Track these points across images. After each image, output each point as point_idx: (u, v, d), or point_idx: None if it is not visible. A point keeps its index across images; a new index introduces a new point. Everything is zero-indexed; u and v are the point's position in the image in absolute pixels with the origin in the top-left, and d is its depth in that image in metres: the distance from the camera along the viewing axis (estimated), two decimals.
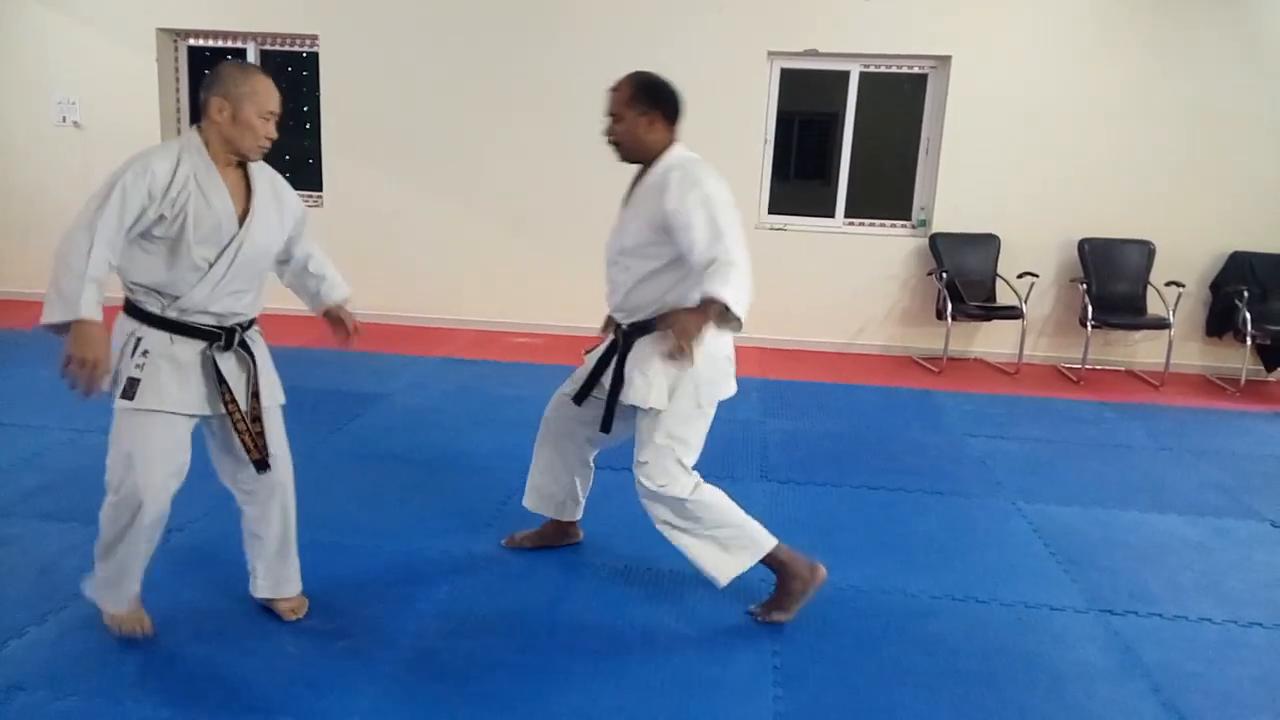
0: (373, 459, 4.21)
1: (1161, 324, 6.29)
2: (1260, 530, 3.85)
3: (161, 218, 2.40)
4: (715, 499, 2.87)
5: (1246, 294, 6.15)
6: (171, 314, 2.49)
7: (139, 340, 2.49)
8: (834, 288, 6.82)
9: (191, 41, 7.16)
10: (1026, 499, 4.05)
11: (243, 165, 2.59)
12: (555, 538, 3.34)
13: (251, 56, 7.10)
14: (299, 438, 4.49)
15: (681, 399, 2.77)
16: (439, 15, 6.68)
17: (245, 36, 7.07)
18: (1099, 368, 6.61)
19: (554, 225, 6.89)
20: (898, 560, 3.40)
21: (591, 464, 3.26)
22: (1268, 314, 6.15)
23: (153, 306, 2.50)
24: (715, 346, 2.76)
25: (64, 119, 7.07)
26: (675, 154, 2.82)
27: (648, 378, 2.76)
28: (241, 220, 2.52)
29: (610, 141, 2.85)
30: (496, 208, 6.81)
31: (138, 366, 2.45)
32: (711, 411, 2.87)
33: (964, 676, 2.67)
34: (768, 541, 2.87)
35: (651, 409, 2.78)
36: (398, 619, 2.84)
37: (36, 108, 7.09)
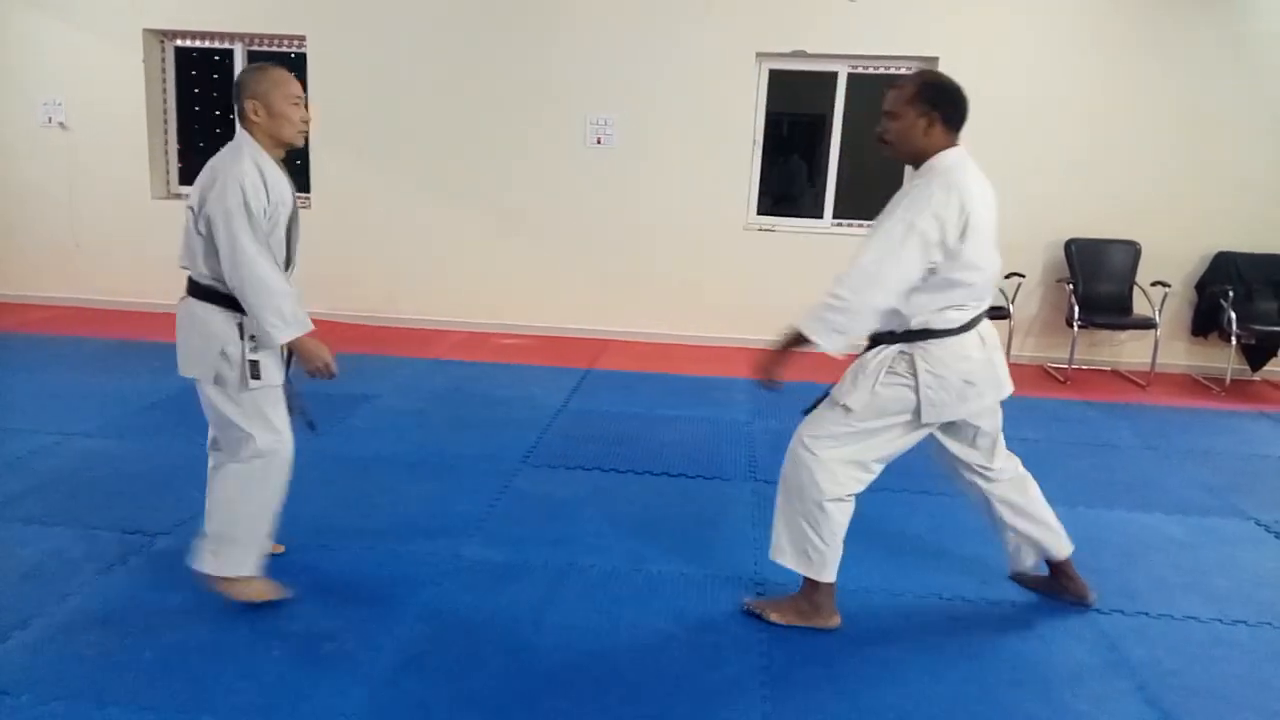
0: (360, 461, 4.20)
1: (1147, 324, 6.32)
2: (1245, 529, 3.87)
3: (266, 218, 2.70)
4: (838, 514, 2.82)
5: (1231, 294, 6.19)
6: None
7: (241, 325, 2.75)
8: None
9: (179, 42, 7.13)
10: None
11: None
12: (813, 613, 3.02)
13: (239, 57, 7.07)
14: None
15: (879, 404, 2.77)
16: (427, 16, 6.67)
17: (232, 37, 7.04)
18: (1085, 367, 6.64)
19: (543, 226, 6.88)
20: (885, 560, 3.40)
21: (973, 479, 3.03)
22: (1252, 313, 6.19)
23: None
24: (944, 370, 2.70)
25: (50, 120, 7.03)
26: (944, 159, 2.71)
27: (855, 382, 2.78)
28: (292, 214, 2.85)
29: (880, 140, 2.78)
30: (485, 209, 6.80)
31: (252, 350, 2.74)
32: (917, 429, 2.84)
33: (952, 675, 2.67)
34: (829, 575, 2.84)
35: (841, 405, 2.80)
36: (385, 621, 2.83)
37: (22, 109, 7.04)
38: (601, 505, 3.82)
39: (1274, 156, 6.38)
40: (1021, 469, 3.05)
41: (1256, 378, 6.54)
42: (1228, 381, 6.27)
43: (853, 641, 2.84)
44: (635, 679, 2.59)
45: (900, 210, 2.57)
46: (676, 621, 2.91)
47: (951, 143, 2.73)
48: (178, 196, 7.27)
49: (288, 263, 2.86)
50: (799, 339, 2.60)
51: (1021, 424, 5.19)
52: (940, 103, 2.68)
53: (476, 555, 3.31)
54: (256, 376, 2.76)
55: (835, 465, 2.79)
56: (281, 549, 3.19)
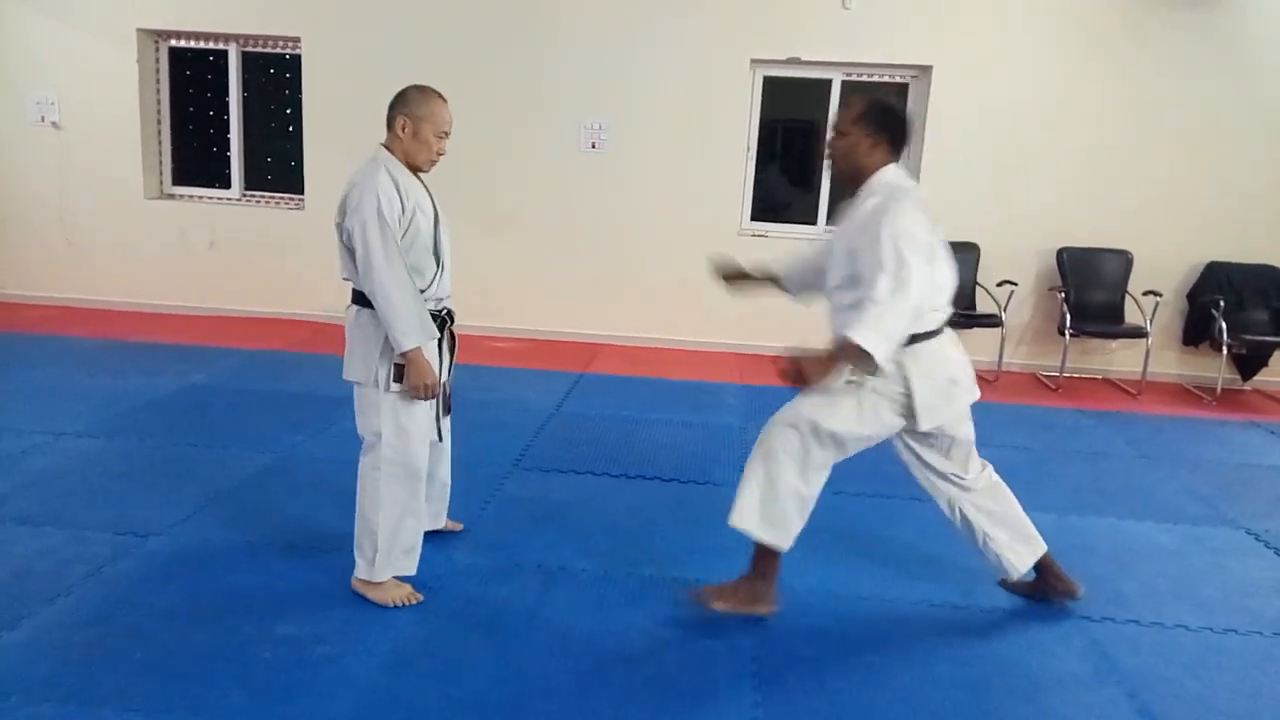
0: (351, 463, 4.15)
1: (1139, 333, 6.34)
2: (1236, 538, 3.88)
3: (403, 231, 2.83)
4: (803, 490, 2.85)
5: (1223, 304, 6.22)
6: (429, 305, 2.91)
7: None
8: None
9: (173, 42, 7.11)
10: None
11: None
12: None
13: (233, 58, 7.06)
14: (278, 441, 4.49)
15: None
16: (421, 19, 6.67)
17: (227, 38, 7.03)
18: (1077, 376, 6.66)
19: (536, 230, 6.88)
20: (876, 566, 3.41)
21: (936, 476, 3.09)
22: (1243, 323, 6.22)
23: None
24: (933, 370, 2.77)
25: (43, 119, 7.01)
26: (885, 177, 2.78)
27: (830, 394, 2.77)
28: (435, 220, 2.97)
29: (828, 156, 2.88)
30: (477, 211, 6.79)
31: (398, 356, 2.82)
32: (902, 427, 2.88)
33: (941, 682, 2.68)
34: (785, 544, 2.86)
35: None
36: (376, 624, 2.83)
37: (14, 107, 7.02)
38: (593, 509, 3.82)
39: (1267, 167, 6.41)
40: (995, 476, 3.09)
41: (1247, 387, 6.56)
42: (1219, 391, 6.29)
43: (843, 647, 2.84)
44: (626, 682, 2.59)
45: (890, 224, 2.59)
46: (667, 625, 2.91)
47: (891, 161, 2.81)
48: (171, 197, 7.25)
49: (439, 268, 2.98)
50: (852, 351, 2.55)
51: (1013, 431, 5.23)
52: (887, 125, 2.77)
53: (467, 558, 3.30)
54: (399, 380, 2.85)
55: (821, 453, 2.83)
56: (459, 526, 3.47)
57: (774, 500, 2.82)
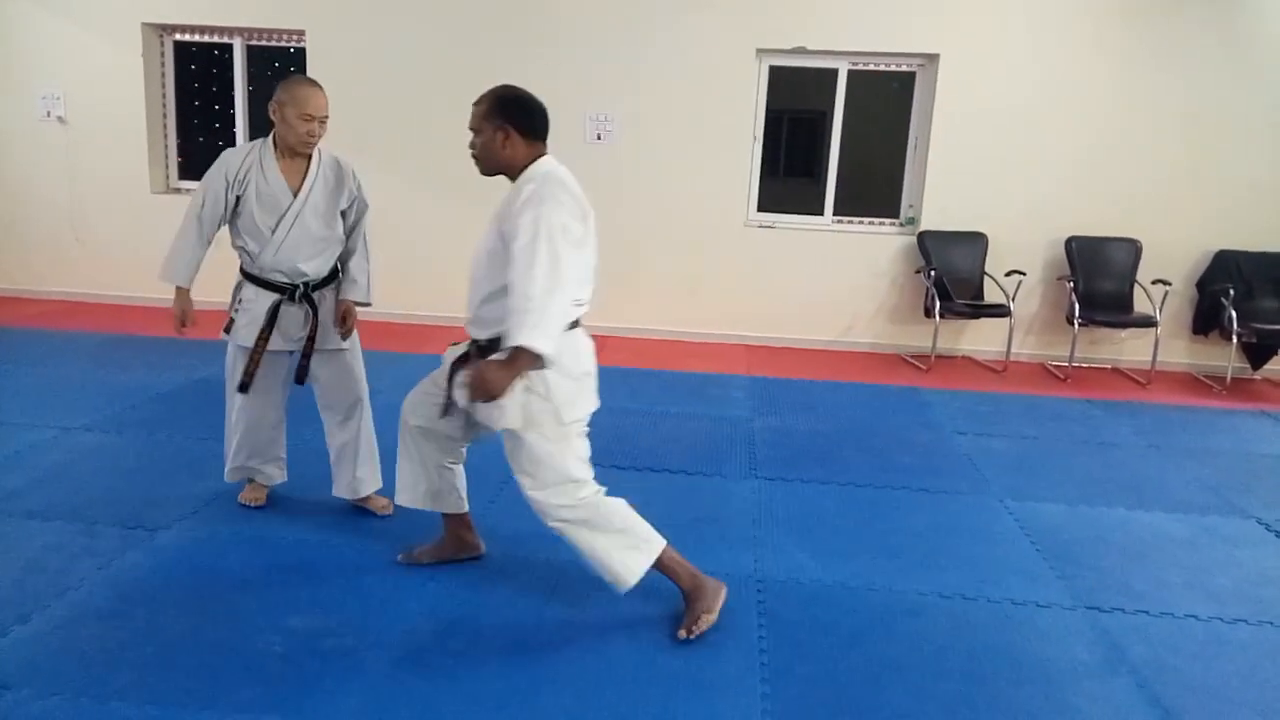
0: None
1: (1148, 322, 6.32)
2: (1246, 528, 3.87)
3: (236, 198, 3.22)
4: (611, 506, 2.83)
5: (1232, 292, 6.18)
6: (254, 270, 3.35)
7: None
8: (822, 286, 6.82)
9: (177, 36, 7.11)
10: (1014, 496, 4.06)
11: (307, 156, 3.32)
12: (454, 547, 3.19)
13: (238, 52, 7.06)
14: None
15: (541, 424, 2.69)
16: (426, 10, 6.65)
17: (231, 31, 7.02)
18: (1086, 365, 6.64)
19: None
20: (885, 557, 3.40)
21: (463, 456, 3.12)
22: (1253, 312, 6.19)
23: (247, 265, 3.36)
24: (571, 365, 2.70)
25: (49, 114, 7.01)
26: (539, 168, 2.75)
27: (498, 402, 2.62)
28: (295, 201, 3.25)
29: (473, 158, 2.85)
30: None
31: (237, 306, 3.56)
32: (579, 428, 2.78)
33: (951, 673, 2.67)
34: (659, 545, 2.84)
35: (509, 430, 2.70)
36: (387, 617, 2.83)
37: (21, 102, 7.02)
38: None
39: (1275, 155, 6.37)
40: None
41: (1257, 376, 6.53)
42: (1228, 380, 6.26)
43: (853, 639, 2.84)
44: (636, 674, 2.59)
45: (545, 213, 2.54)
46: (676, 618, 2.90)
47: (538, 152, 2.79)
48: (177, 191, 7.26)
49: (268, 241, 3.33)
50: (526, 356, 2.48)
51: (1021, 422, 5.22)
52: (513, 114, 2.77)
53: None
54: (226, 331, 3.42)
55: (580, 471, 2.80)
56: (386, 506, 3.54)
57: (621, 540, 2.80)
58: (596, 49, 6.62)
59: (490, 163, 2.81)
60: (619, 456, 4.34)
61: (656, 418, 4.97)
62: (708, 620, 2.81)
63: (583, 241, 2.64)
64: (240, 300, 3.41)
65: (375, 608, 2.88)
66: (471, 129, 2.81)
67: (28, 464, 3.90)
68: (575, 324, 2.76)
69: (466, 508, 3.15)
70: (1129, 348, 6.70)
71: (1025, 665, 2.74)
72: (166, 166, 7.26)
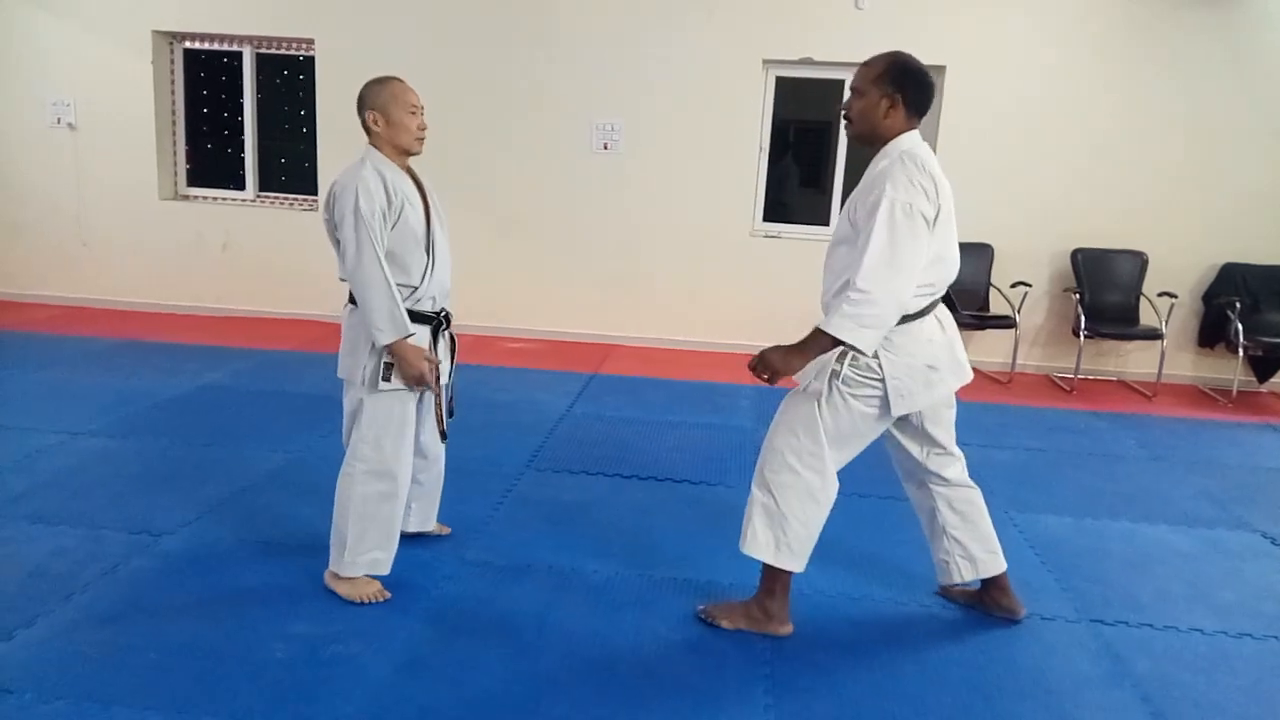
0: None
1: (1154, 334, 6.31)
2: (1251, 541, 3.85)
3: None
4: (811, 509, 2.80)
5: (1238, 305, 6.17)
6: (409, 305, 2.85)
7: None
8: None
9: (187, 44, 7.15)
10: (1018, 508, 4.05)
11: (409, 169, 2.99)
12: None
13: (248, 60, 7.09)
14: (292, 440, 4.51)
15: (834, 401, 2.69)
16: (434, 20, 6.69)
17: (241, 40, 7.06)
18: (1091, 378, 6.63)
19: (548, 231, 6.89)
20: (889, 568, 3.40)
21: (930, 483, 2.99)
22: (1259, 325, 6.18)
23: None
24: (912, 354, 2.64)
25: (59, 120, 7.06)
26: (899, 144, 2.64)
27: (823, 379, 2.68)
28: (428, 215, 2.94)
29: (845, 118, 2.75)
30: (490, 212, 6.81)
31: (387, 355, 2.84)
32: (887, 417, 2.74)
33: (955, 685, 2.67)
34: (799, 567, 2.82)
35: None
36: (389, 623, 2.84)
37: (31, 109, 7.07)
38: (605, 510, 3.82)
39: None
40: (969, 480, 2.98)
41: (1263, 389, 6.52)
42: (1234, 393, 6.25)
43: (857, 650, 2.84)
44: (637, 685, 2.59)
45: (890, 192, 2.48)
46: (679, 628, 2.90)
47: (911, 126, 2.67)
48: (185, 198, 7.29)
49: (430, 262, 2.91)
50: (825, 342, 2.50)
51: (1027, 434, 5.21)
52: (905, 84, 2.61)
53: (480, 558, 3.31)
54: (386, 379, 2.83)
55: (817, 465, 2.76)
56: (446, 530, 3.45)
57: (783, 525, 2.77)
58: (603, 59, 6.64)
59: (865, 127, 2.68)
60: (624, 465, 4.34)
61: (661, 427, 4.97)
62: (719, 620, 2.88)
63: (934, 225, 2.52)
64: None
65: (377, 614, 2.89)
66: (854, 88, 2.67)
67: (34, 469, 3.91)
68: (924, 311, 2.66)
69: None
70: (1134, 360, 6.69)
71: (1029, 678, 2.73)
72: (175, 174, 7.30)
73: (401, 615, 2.89)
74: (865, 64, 2.66)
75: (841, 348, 2.56)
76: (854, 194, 2.68)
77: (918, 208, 2.48)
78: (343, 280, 2.85)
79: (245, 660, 2.60)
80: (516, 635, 2.82)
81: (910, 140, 2.65)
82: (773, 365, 2.57)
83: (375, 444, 2.88)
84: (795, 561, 2.80)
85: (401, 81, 2.98)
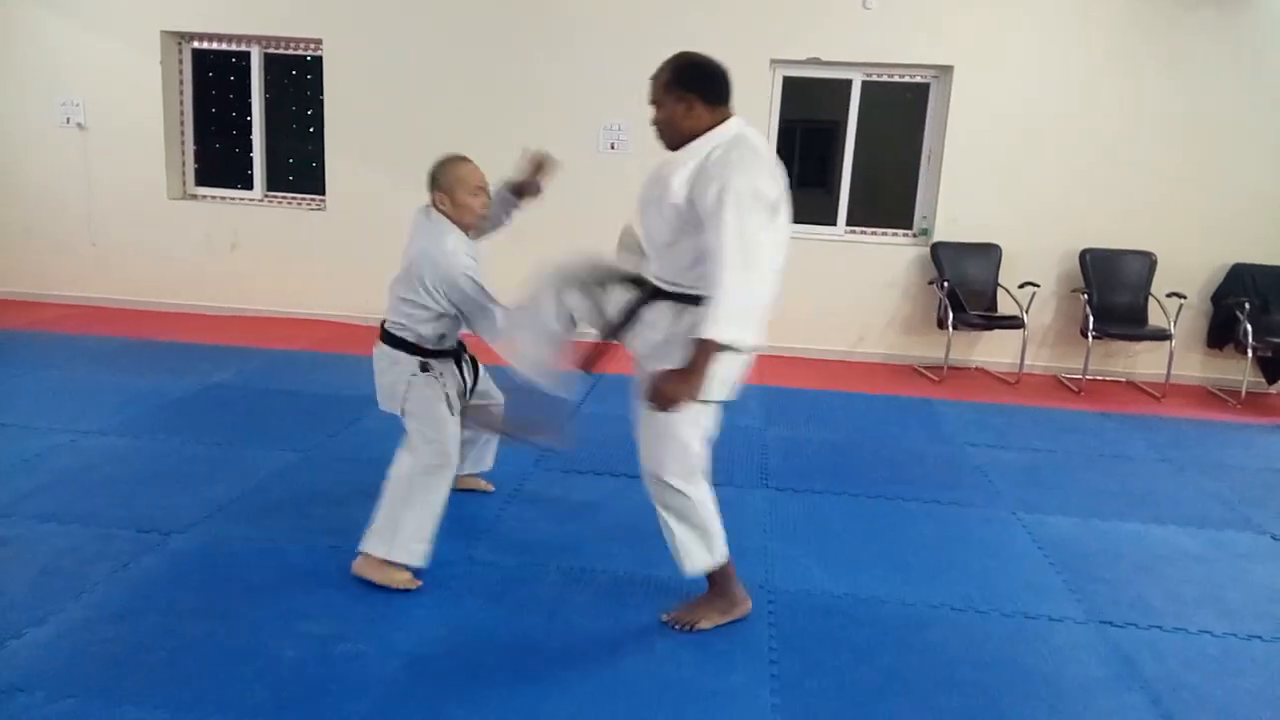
0: (372, 462, 4.17)
1: (1163, 335, 6.29)
2: (1261, 543, 3.84)
3: None
4: (707, 502, 2.86)
5: (1248, 306, 6.15)
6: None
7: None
8: (835, 296, 6.82)
9: (196, 44, 7.17)
10: (1026, 509, 4.04)
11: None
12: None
13: (255, 60, 7.11)
14: (300, 439, 4.52)
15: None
16: (441, 20, 6.69)
17: (249, 40, 7.08)
18: (1100, 378, 6.61)
19: (555, 231, 6.88)
20: (896, 569, 3.39)
21: None
22: (1269, 326, 6.16)
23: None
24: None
25: (68, 120, 7.08)
26: (725, 130, 2.64)
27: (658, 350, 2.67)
28: None
29: (656, 135, 2.75)
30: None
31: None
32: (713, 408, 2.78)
33: (962, 687, 2.66)
34: (727, 554, 2.89)
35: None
36: (397, 622, 2.84)
37: (41, 109, 7.09)
38: (613, 510, 3.82)
39: None
40: None
41: (1273, 390, 6.49)
42: (1243, 394, 6.23)
43: (863, 652, 2.83)
44: (644, 685, 2.59)
45: (735, 181, 2.43)
46: (686, 630, 2.90)
47: (723, 116, 2.66)
48: (194, 198, 7.31)
49: None
50: (714, 348, 2.40)
51: (1035, 434, 5.20)
52: (695, 83, 2.63)
53: (487, 558, 3.31)
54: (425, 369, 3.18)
55: (696, 464, 2.81)
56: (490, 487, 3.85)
57: (704, 533, 2.84)
58: (610, 59, 6.64)
59: (675, 135, 2.69)
60: (630, 465, 4.32)
61: None
62: (698, 624, 2.88)
63: (777, 207, 2.52)
64: (439, 374, 3.19)
65: (387, 614, 2.89)
66: (652, 103, 2.71)
67: (43, 468, 3.93)
68: None
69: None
70: (1143, 361, 6.67)
71: (1036, 680, 2.73)
72: (184, 174, 7.32)
73: (410, 614, 2.90)
74: (653, 76, 2.71)
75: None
76: (686, 174, 2.59)
77: (763, 192, 2.48)
78: (397, 324, 3.15)
79: (255, 658, 2.61)
80: (524, 634, 2.82)
81: (737, 125, 2.67)
82: (678, 396, 2.44)
83: (432, 438, 3.08)
84: (725, 549, 2.88)
85: (468, 162, 3.29)
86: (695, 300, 2.56)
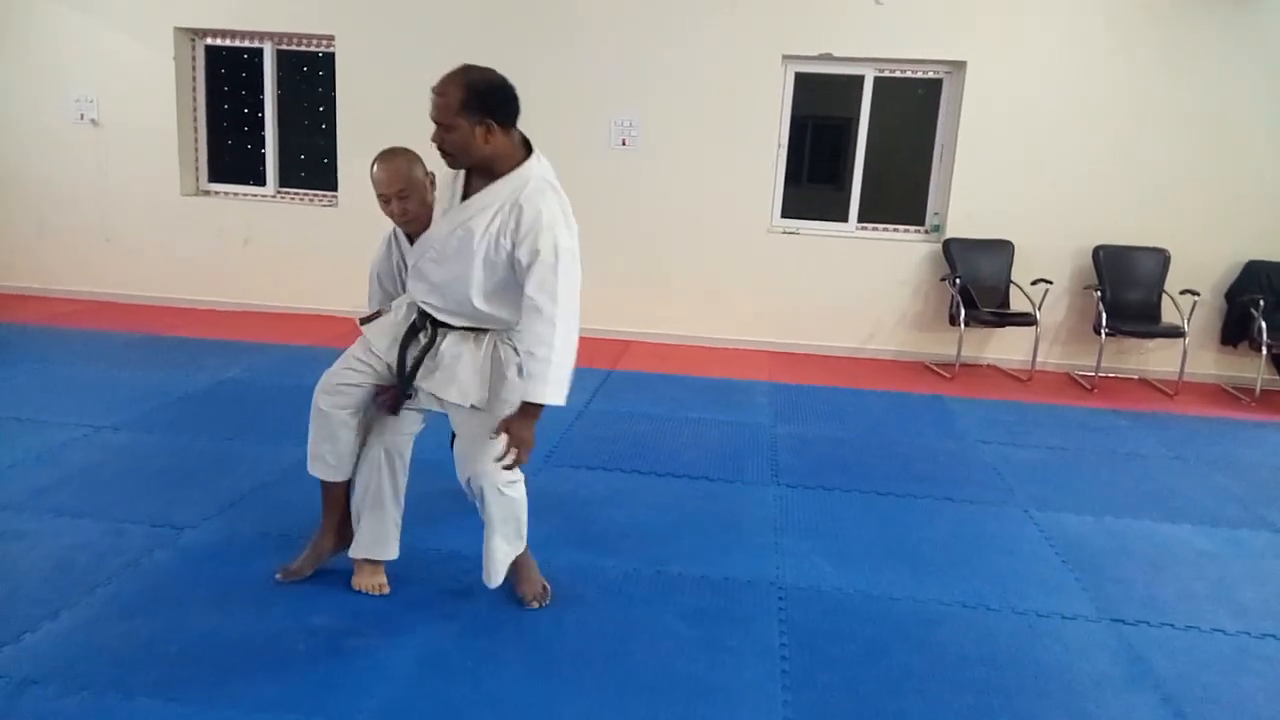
0: None
1: (1176, 332, 6.25)
2: (1274, 541, 3.82)
3: None
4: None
5: (1262, 303, 6.11)
6: None
7: None
8: (846, 292, 6.80)
9: (209, 41, 7.20)
10: (1038, 507, 4.03)
11: None
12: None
13: (268, 56, 7.13)
14: (305, 437, 4.51)
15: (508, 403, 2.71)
16: (453, 17, 6.70)
17: (262, 36, 7.10)
18: (1112, 375, 6.58)
19: None
20: (908, 567, 3.38)
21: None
22: None
23: None
24: None
25: (81, 117, 7.11)
26: (529, 170, 2.62)
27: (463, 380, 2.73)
28: None
29: (440, 150, 2.63)
30: None
31: None
32: None
33: (974, 685, 2.66)
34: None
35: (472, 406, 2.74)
36: (408, 618, 2.85)
37: (54, 105, 7.13)
38: (622, 506, 3.83)
39: None
40: None
41: None
42: (1258, 392, 6.19)
43: (875, 649, 2.83)
44: (654, 682, 2.59)
45: (559, 240, 2.50)
46: (696, 625, 2.90)
47: (518, 139, 2.64)
48: (207, 193, 7.34)
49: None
50: (537, 409, 2.53)
51: (1047, 432, 5.18)
52: (489, 105, 2.52)
53: None
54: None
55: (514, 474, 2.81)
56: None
57: (519, 540, 2.93)
58: (622, 55, 6.64)
59: (469, 159, 2.59)
60: (640, 461, 4.34)
61: (678, 423, 4.97)
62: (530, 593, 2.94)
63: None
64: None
65: (398, 608, 2.90)
66: (439, 121, 2.53)
67: (57, 462, 3.95)
68: None
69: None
70: (1156, 358, 6.63)
71: (1048, 678, 2.72)
72: (197, 170, 7.35)
73: (421, 610, 2.91)
74: (438, 93, 2.54)
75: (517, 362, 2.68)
76: (495, 220, 2.58)
77: (575, 248, 2.54)
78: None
79: (266, 652, 2.62)
80: (533, 630, 2.83)
81: (537, 164, 2.65)
82: (528, 441, 2.57)
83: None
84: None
85: (381, 163, 3.15)
86: (481, 330, 2.73)
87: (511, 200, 2.56)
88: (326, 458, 2.89)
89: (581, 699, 2.49)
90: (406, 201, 2.92)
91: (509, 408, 2.64)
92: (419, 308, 2.78)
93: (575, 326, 2.55)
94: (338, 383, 2.87)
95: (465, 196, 2.67)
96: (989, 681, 2.68)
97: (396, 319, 2.86)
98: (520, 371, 2.65)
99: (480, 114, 2.50)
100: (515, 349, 2.75)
